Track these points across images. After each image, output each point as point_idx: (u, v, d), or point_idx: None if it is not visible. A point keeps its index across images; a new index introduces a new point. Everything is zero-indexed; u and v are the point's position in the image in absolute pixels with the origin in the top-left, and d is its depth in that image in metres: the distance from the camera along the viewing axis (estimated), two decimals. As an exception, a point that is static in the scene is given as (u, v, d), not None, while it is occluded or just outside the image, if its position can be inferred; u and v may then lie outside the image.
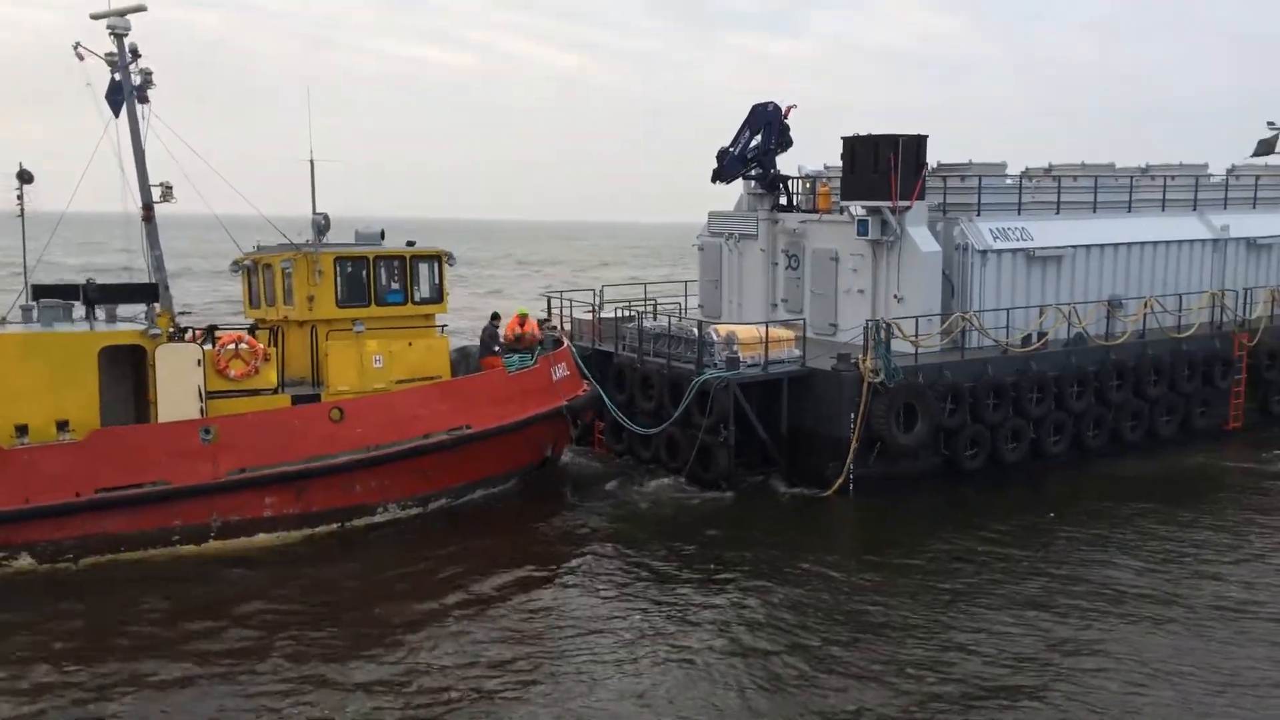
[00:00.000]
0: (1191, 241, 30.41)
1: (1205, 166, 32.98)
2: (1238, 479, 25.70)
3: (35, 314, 20.38)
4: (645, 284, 32.01)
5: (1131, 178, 30.67)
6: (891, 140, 25.16)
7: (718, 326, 24.56)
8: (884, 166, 25.16)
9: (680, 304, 30.37)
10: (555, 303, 28.91)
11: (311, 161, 22.13)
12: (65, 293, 21.60)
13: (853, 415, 23.01)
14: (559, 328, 26.70)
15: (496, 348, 23.51)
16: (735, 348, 23.58)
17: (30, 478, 18.11)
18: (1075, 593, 17.73)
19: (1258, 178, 34.10)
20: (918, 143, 25.50)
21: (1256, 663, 15.21)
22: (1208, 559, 19.66)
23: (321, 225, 22.18)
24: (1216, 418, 29.45)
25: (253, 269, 23.01)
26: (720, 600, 17.26)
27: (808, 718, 13.46)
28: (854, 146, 26.02)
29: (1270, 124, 38.16)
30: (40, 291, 21.10)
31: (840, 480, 23.03)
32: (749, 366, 23.52)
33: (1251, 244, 31.67)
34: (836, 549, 20.49)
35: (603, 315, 27.78)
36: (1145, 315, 28.02)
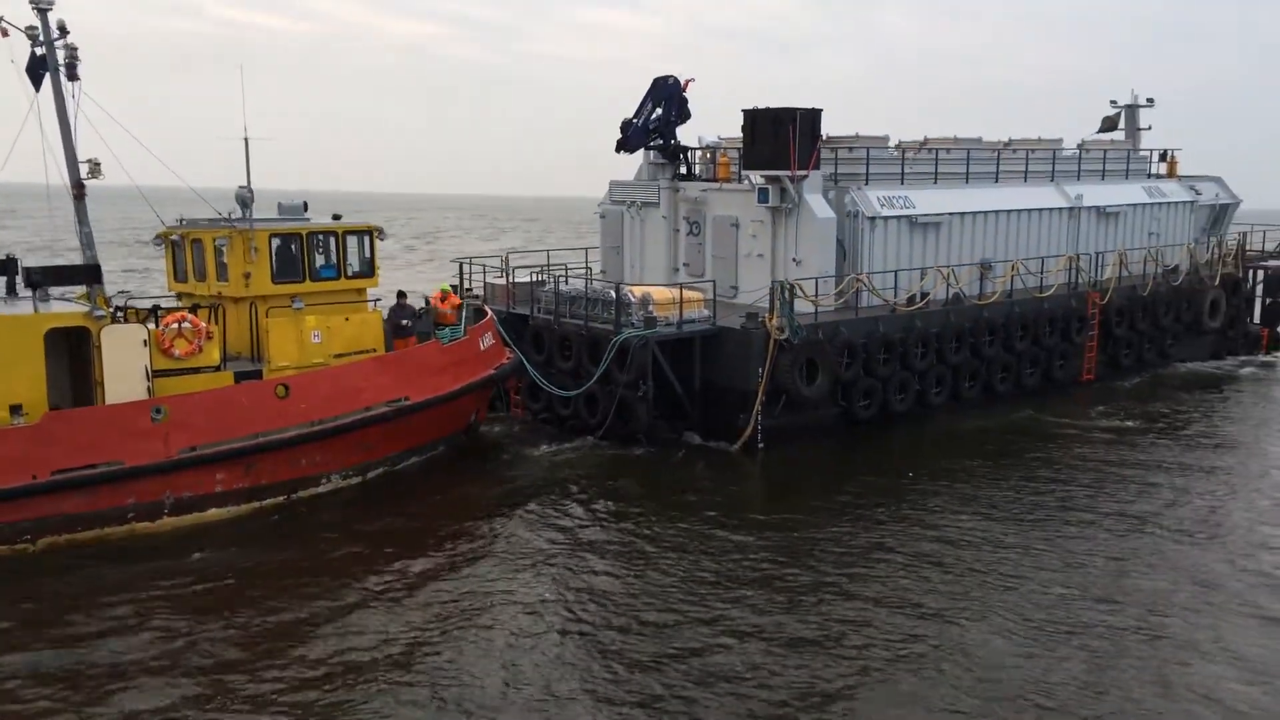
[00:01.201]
0: (1050, 210, 33.26)
1: (1060, 141, 36.00)
2: (1082, 428, 28.56)
3: None
4: (548, 250, 33.01)
5: (998, 151, 33.34)
6: (790, 113, 26.86)
7: (633, 288, 25.90)
8: (783, 137, 26.87)
9: (589, 270, 31.46)
10: (466, 269, 29.72)
11: (246, 140, 22.22)
12: None
13: (760, 370, 24.75)
14: (481, 297, 27.51)
15: (405, 322, 23.72)
16: (651, 308, 24.98)
17: None
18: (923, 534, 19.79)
19: (1105, 151, 37.36)
20: (813, 116, 27.29)
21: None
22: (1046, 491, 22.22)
23: (247, 199, 22.31)
24: (1073, 370, 32.51)
25: (179, 243, 23.04)
26: (628, 544, 18.71)
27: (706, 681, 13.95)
28: (754, 119, 27.64)
29: (1113, 103, 41.71)
30: None
31: (748, 432, 24.76)
32: (664, 326, 24.96)
33: (1101, 212, 34.79)
34: (743, 496, 22.25)
35: (516, 280, 28.73)
36: (1012, 277, 30.67)
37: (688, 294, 25.70)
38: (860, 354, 26.55)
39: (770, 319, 24.83)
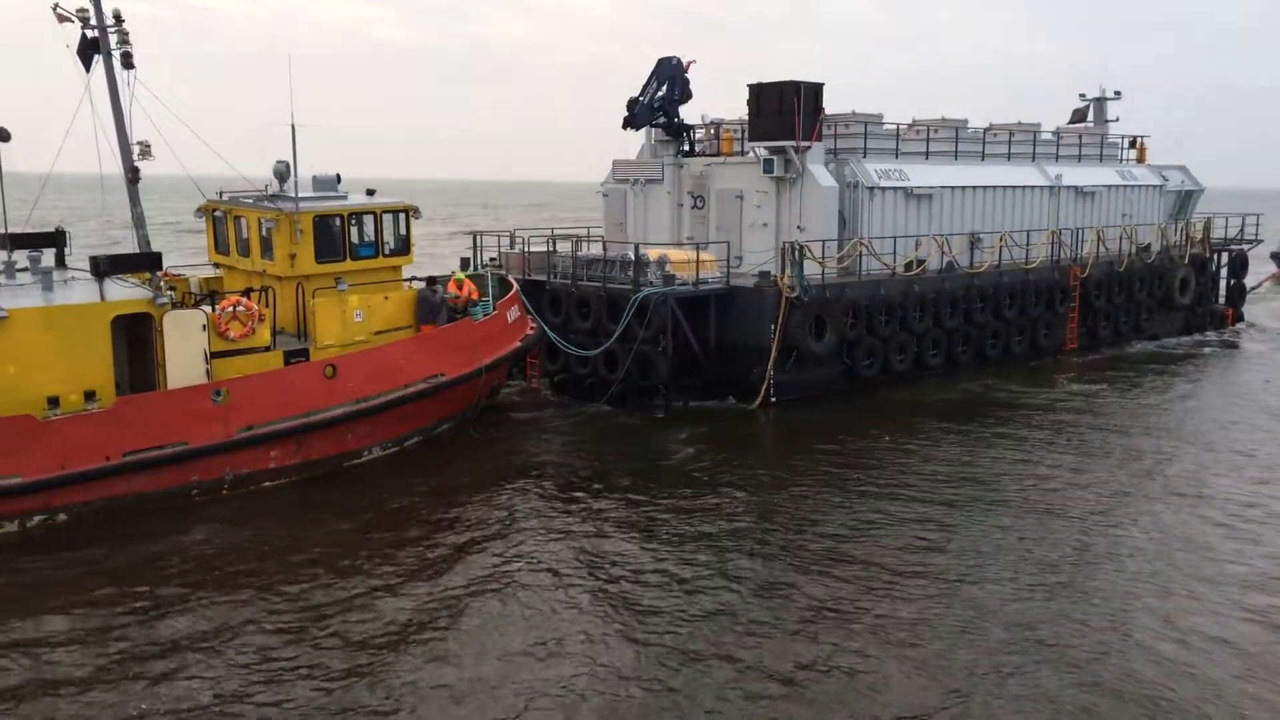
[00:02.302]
0: (1032, 187, 34.89)
1: (1039, 125, 37.73)
2: (1061, 390, 30.08)
3: (31, 275, 20.73)
4: (552, 229, 34.03)
5: (984, 131, 34.95)
6: (794, 86, 28.21)
7: (649, 249, 27.02)
8: (788, 109, 28.18)
9: (589, 241, 32.49)
10: (478, 240, 30.68)
11: (293, 126, 22.94)
12: (41, 241, 21.94)
13: (772, 326, 25.95)
14: (500, 264, 28.42)
15: (435, 315, 23.70)
16: (668, 267, 26.10)
17: (65, 446, 18.64)
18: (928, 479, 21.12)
19: (1080, 136, 39.17)
20: (816, 90, 28.67)
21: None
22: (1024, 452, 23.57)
23: (284, 173, 22.96)
24: (1057, 339, 34.10)
25: (222, 217, 23.71)
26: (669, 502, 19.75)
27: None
28: (759, 93, 28.95)
29: (1082, 96, 43.60)
30: (20, 241, 21.41)
31: (764, 388, 25.90)
32: (680, 285, 26.08)
33: (1079, 191, 36.51)
34: (764, 449, 23.49)
35: (530, 250, 29.72)
36: (1000, 249, 32.20)
37: (704, 255, 26.84)
38: (864, 314, 27.86)
39: (782, 278, 26.05)
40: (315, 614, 14.38)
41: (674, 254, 26.70)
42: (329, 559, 16.66)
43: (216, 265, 24.32)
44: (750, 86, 29.22)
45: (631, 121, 31.47)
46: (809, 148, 28.69)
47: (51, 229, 22.41)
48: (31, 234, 21.86)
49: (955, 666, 12.69)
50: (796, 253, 26.21)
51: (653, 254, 26.61)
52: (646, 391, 25.89)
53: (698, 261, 26.34)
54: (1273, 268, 58.34)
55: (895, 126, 32.17)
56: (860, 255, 28.61)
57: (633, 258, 26.28)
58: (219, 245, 24.06)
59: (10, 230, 21.27)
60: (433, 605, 14.67)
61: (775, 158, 28.85)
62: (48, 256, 21.24)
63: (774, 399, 26.05)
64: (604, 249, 27.95)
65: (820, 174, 28.87)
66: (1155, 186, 40.05)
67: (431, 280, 24.89)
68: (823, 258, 27.24)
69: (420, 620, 14.14)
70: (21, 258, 21.09)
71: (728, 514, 18.49)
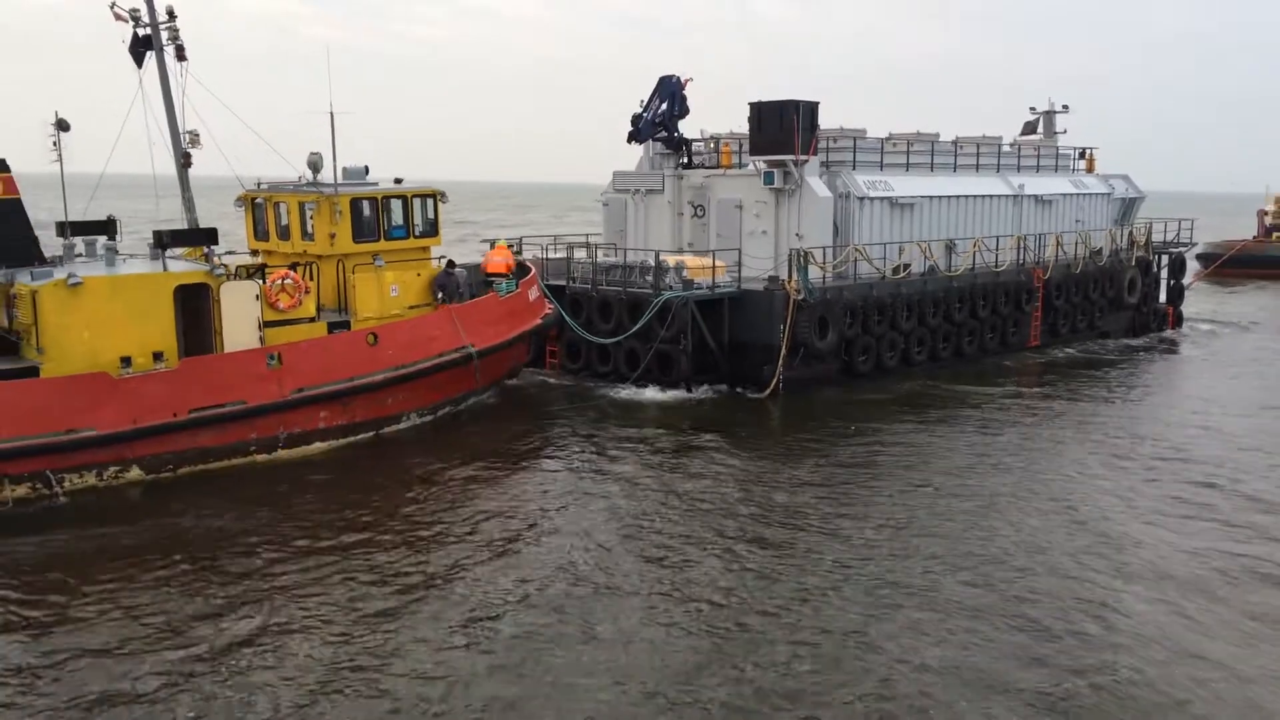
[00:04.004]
0: (999, 196, 37.76)
1: (1001, 138, 40.69)
2: (1028, 380, 32.97)
3: (92, 253, 22.50)
4: (555, 235, 36.01)
5: (955, 144, 37.75)
6: (794, 105, 30.59)
7: (668, 256, 29.19)
8: (788, 126, 30.55)
9: (614, 247, 34.55)
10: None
11: (331, 114, 24.76)
12: (94, 229, 23.61)
13: (781, 326, 28.29)
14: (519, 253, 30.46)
15: (439, 296, 25.41)
16: (685, 273, 28.30)
17: (137, 403, 20.28)
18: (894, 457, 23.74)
19: (1038, 148, 42.27)
20: (813, 107, 31.09)
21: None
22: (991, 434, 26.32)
23: (318, 164, 24.87)
24: (1023, 336, 37.02)
25: (262, 205, 25.43)
26: (693, 465, 22.04)
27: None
28: (760, 110, 31.29)
29: (1032, 109, 46.79)
30: (75, 228, 23.08)
31: (775, 380, 28.24)
32: (697, 289, 28.29)
33: (1039, 200, 39.50)
34: (774, 431, 25.79)
35: (550, 256, 31.70)
36: (975, 254, 34.96)
37: (718, 262, 29.09)
38: (859, 315, 30.35)
39: (790, 282, 28.40)
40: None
41: (690, 260, 28.90)
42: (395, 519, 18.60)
43: (254, 252, 25.90)
44: (751, 105, 31.55)
45: (636, 136, 33.62)
46: (806, 161, 31.10)
47: (104, 219, 23.96)
48: (85, 222, 23.66)
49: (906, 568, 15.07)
50: (802, 259, 28.58)
51: (670, 260, 28.78)
52: (667, 385, 28.05)
53: (713, 267, 28.57)
54: (1198, 267, 62.55)
55: (880, 141, 34.74)
56: (854, 261, 31.08)
57: (653, 264, 28.43)
58: (258, 232, 25.74)
59: (60, 220, 23.13)
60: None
61: (775, 170, 31.19)
62: (100, 244, 22.96)
63: (782, 390, 28.38)
64: (624, 256, 30.03)
65: (817, 185, 31.29)
66: (1104, 194, 43.30)
67: (450, 264, 26.54)
68: (824, 263, 29.65)
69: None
70: (77, 245, 22.86)
71: (749, 472, 21.00)
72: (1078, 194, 41.70)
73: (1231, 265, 63.14)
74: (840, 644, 13.63)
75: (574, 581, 15.63)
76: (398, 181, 25.94)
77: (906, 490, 20.27)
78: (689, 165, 34.51)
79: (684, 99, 33.89)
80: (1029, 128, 46.36)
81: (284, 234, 25.17)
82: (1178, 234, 47.43)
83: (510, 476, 21.31)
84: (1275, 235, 71.00)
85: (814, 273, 29.19)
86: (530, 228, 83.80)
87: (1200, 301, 51.60)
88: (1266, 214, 73.38)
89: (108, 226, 23.81)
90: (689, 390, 27.85)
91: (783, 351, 28.22)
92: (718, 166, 33.96)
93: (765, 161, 31.52)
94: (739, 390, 28.62)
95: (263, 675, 12.71)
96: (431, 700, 12.16)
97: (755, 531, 17.75)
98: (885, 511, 18.92)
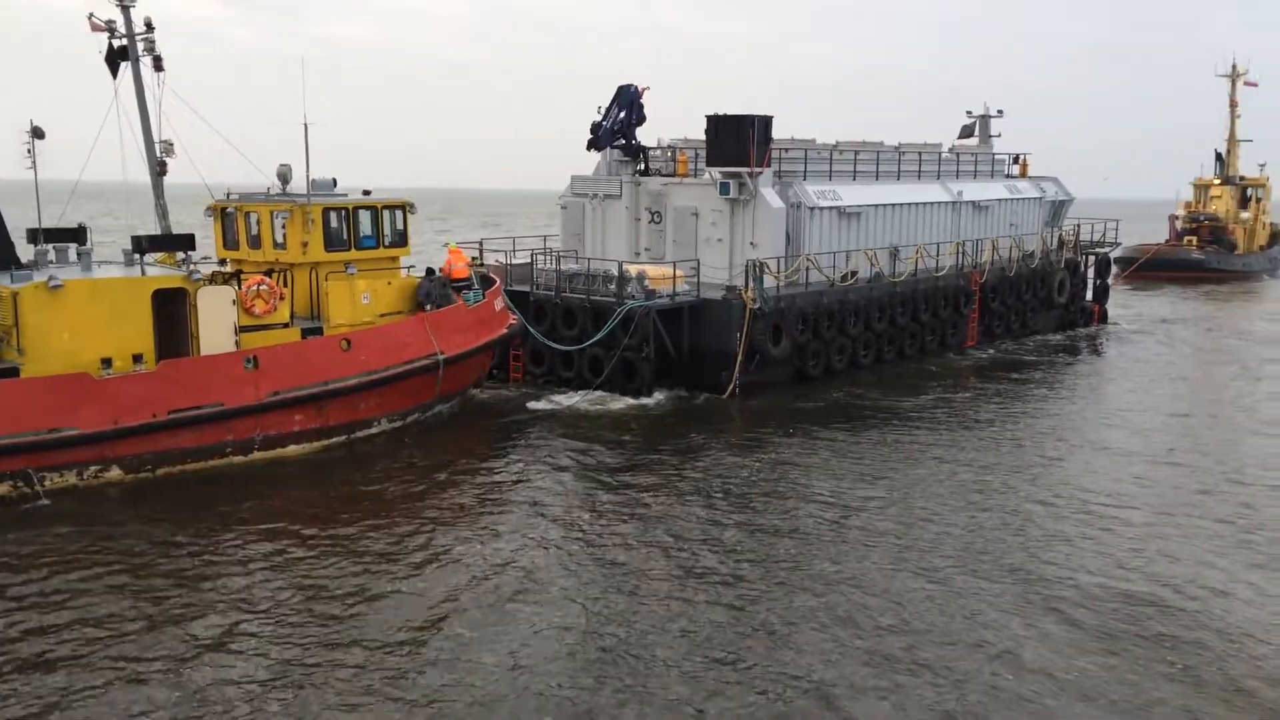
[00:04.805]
0: (939, 203, 39.50)
1: (940, 146, 42.42)
2: (966, 380, 34.86)
3: (64, 259, 23.04)
4: (514, 238, 36.89)
5: (898, 151, 39.37)
6: (750, 119, 31.84)
7: (630, 266, 30.31)
8: (744, 138, 31.80)
9: (575, 252, 35.56)
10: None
11: (305, 125, 25.42)
12: (64, 236, 24.15)
13: (738, 334, 29.63)
14: (484, 265, 31.29)
15: (427, 305, 26.58)
16: (647, 282, 29.46)
17: (117, 403, 20.90)
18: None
19: (975, 156, 44.11)
20: (767, 121, 32.38)
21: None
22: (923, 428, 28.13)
23: (287, 175, 25.55)
24: (961, 337, 38.91)
25: (233, 214, 25.96)
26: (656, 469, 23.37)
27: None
28: (718, 123, 32.49)
29: (969, 113, 48.65)
30: (46, 235, 23.60)
31: (732, 384, 29.60)
32: (659, 298, 29.48)
33: (977, 205, 41.36)
34: (734, 430, 27.16)
35: (514, 262, 32.64)
36: (917, 260, 36.64)
37: (679, 272, 30.30)
38: (810, 321, 31.84)
39: (746, 292, 29.74)
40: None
41: (651, 270, 30.06)
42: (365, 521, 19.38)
43: (223, 261, 26.43)
44: (709, 117, 32.72)
45: (595, 143, 34.62)
46: (761, 173, 32.40)
47: (74, 226, 24.47)
48: (56, 229, 24.25)
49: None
50: (758, 269, 29.93)
51: (633, 270, 29.92)
52: (629, 392, 29.23)
53: (674, 278, 29.79)
54: (1116, 270, 65.34)
55: (829, 150, 36.17)
56: (805, 269, 32.52)
57: (615, 273, 29.55)
58: (227, 241, 26.26)
59: (32, 227, 23.76)
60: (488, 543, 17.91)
61: (731, 181, 32.45)
62: (72, 251, 23.57)
63: (738, 394, 29.75)
64: (588, 265, 31.09)
65: (771, 196, 32.62)
66: (1036, 198, 45.36)
67: (429, 271, 27.57)
68: (778, 273, 31.04)
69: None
70: (49, 251, 23.43)
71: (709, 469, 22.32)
72: (1012, 199, 43.67)
73: (1146, 268, 65.97)
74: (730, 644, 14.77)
75: (510, 595, 16.24)
76: (366, 193, 26.62)
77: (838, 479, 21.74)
78: (645, 172, 35.60)
79: (641, 107, 34.93)
80: (966, 131, 48.23)
81: (254, 243, 25.72)
82: (1104, 235, 49.81)
83: (476, 483, 22.13)
84: (1186, 239, 74.17)
85: (768, 281, 30.56)
86: (486, 230, 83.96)
87: (1119, 302, 54.20)
88: (1177, 219, 76.64)
89: (78, 234, 24.33)
90: (649, 396, 29.07)
91: (739, 358, 29.57)
92: (674, 174, 35.10)
93: (721, 172, 32.76)
94: (697, 397, 29.89)
95: (206, 674, 13.45)
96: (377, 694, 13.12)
97: (712, 535, 18.96)
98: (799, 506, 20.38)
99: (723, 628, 15.05)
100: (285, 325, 24.18)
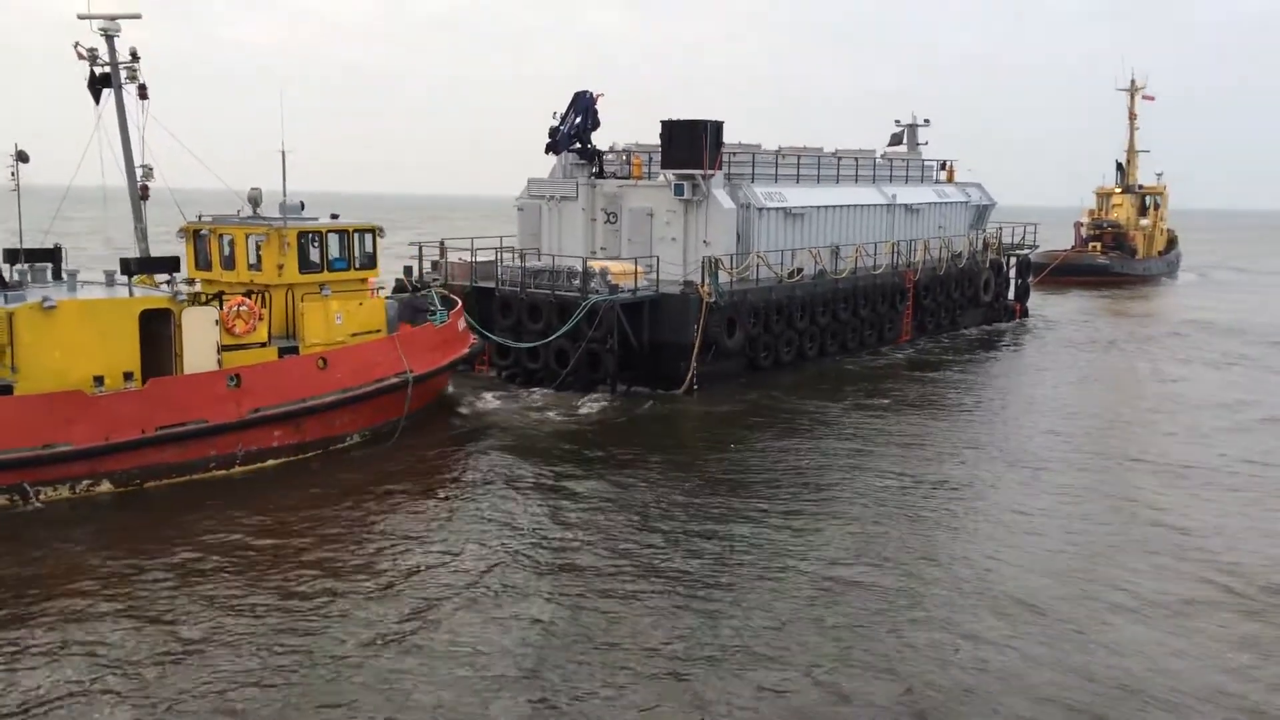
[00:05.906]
0: (875, 205, 41.81)
1: (874, 151, 44.81)
2: (901, 370, 37.16)
3: (42, 278, 23.63)
4: (473, 238, 38.16)
5: (837, 157, 41.60)
6: (703, 124, 33.64)
7: (592, 262, 31.87)
8: (697, 143, 33.60)
9: (536, 250, 36.88)
10: (424, 251, 34.56)
11: (283, 152, 26.28)
12: (40, 256, 24.62)
13: (695, 327, 31.38)
14: (440, 279, 32.49)
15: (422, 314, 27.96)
16: (610, 278, 31.05)
17: (108, 420, 21.50)
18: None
19: (907, 161, 46.64)
20: (719, 126, 34.22)
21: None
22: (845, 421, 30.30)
23: (258, 198, 26.30)
24: (896, 332, 41.24)
25: (206, 236, 26.53)
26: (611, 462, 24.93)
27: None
28: (672, 128, 34.23)
29: (897, 121, 51.30)
30: (19, 255, 24.05)
31: (690, 377, 31.33)
32: (622, 293, 31.08)
33: (909, 208, 43.80)
34: (687, 426, 28.87)
35: (478, 260, 33.94)
36: (856, 259, 38.84)
37: (639, 268, 31.95)
38: (761, 315, 33.74)
39: (703, 287, 31.51)
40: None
41: (613, 266, 31.67)
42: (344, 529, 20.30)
43: (191, 281, 26.97)
44: (664, 123, 34.46)
45: (553, 148, 36.08)
46: (713, 175, 34.23)
47: (50, 246, 24.98)
48: (33, 249, 24.63)
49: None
50: (714, 265, 31.72)
51: (596, 266, 31.48)
52: (591, 385, 30.77)
53: (636, 273, 31.43)
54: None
55: (774, 155, 38.20)
56: (756, 266, 34.44)
57: (580, 269, 31.09)
58: (199, 262, 26.76)
59: (10, 247, 24.24)
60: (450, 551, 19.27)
61: (685, 183, 34.21)
62: (49, 271, 24.13)
63: (696, 386, 31.49)
64: (552, 261, 32.55)
65: (722, 197, 34.47)
66: (962, 202, 48.05)
67: (416, 287, 28.76)
68: (731, 269, 32.88)
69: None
70: (27, 272, 23.73)
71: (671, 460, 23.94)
72: (940, 202, 46.26)
73: (1055, 274, 69.40)
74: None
75: (470, 602, 16.83)
76: (334, 217, 27.43)
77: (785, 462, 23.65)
78: (600, 175, 37.19)
79: (596, 113, 36.50)
80: (895, 139, 50.83)
81: (228, 264, 26.23)
82: (1024, 237, 52.80)
83: (443, 491, 22.84)
84: (1090, 245, 78.12)
85: (722, 277, 32.37)
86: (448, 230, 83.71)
87: (1033, 303, 57.36)
88: (1082, 226, 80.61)
89: (54, 254, 24.82)
90: (613, 389, 30.61)
91: (696, 349, 31.32)
92: (629, 177, 36.77)
93: (675, 175, 34.50)
94: (658, 389, 31.51)
95: (178, 680, 13.98)
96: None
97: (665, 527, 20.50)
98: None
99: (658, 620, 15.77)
100: (263, 345, 24.74)
